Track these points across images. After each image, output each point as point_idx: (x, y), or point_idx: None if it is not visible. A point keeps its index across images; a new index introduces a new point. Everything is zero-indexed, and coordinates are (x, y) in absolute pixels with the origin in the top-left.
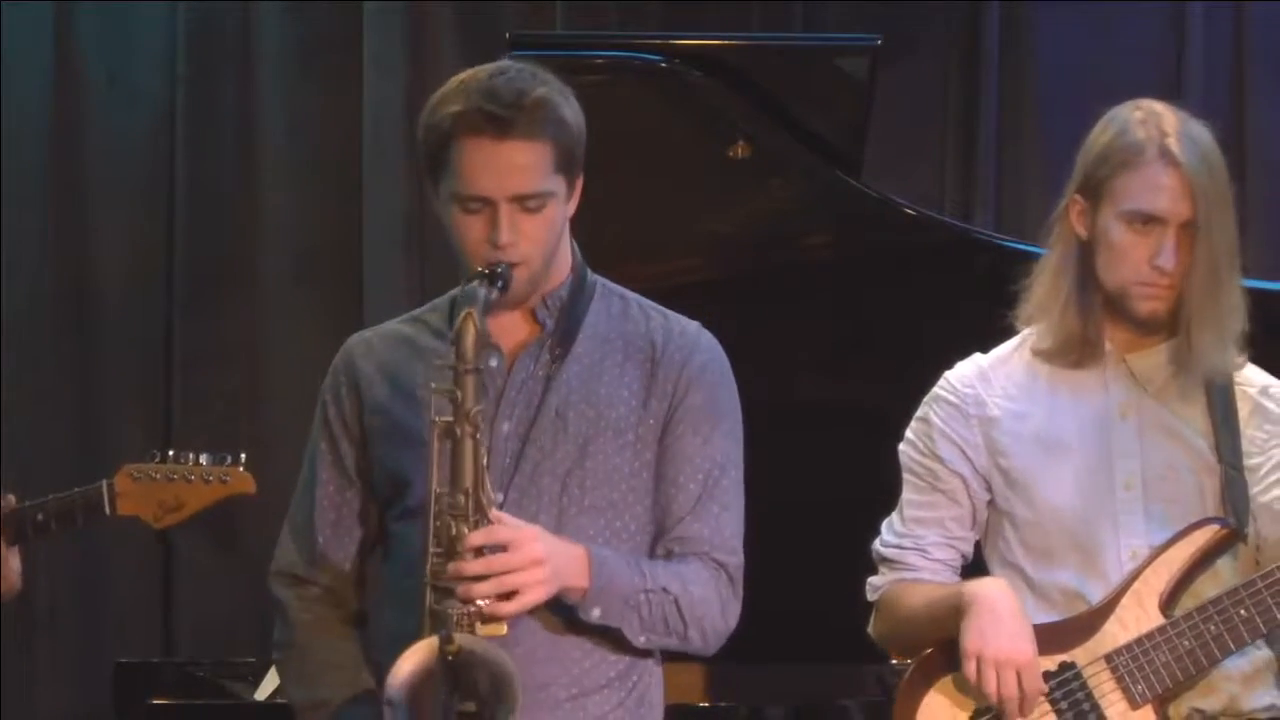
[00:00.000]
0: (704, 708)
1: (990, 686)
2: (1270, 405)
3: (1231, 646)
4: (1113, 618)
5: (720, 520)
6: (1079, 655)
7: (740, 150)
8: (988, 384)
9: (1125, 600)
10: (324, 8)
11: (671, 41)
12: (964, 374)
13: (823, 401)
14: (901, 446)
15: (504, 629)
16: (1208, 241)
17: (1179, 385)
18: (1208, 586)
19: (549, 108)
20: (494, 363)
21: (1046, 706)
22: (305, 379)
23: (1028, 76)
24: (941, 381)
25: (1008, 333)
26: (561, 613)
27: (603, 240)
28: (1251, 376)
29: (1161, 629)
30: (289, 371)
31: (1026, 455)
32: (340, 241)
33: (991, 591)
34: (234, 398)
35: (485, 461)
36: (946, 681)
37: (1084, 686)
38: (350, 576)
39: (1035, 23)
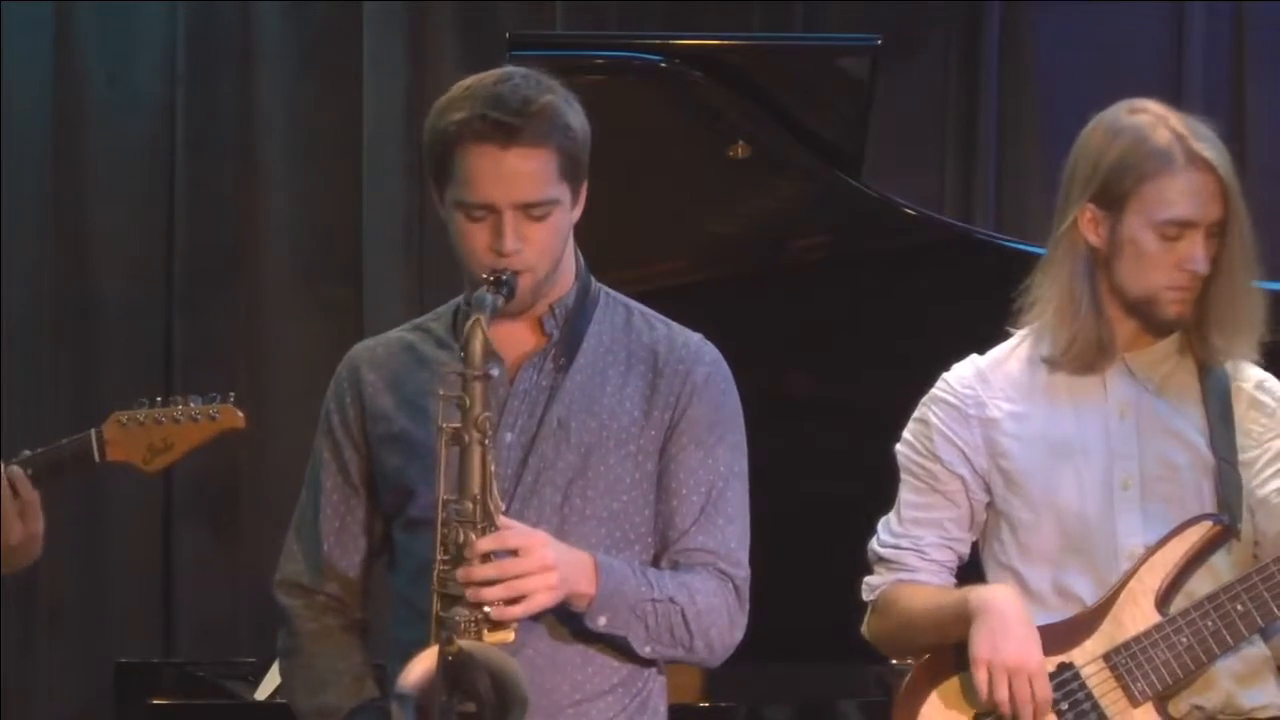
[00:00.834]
0: (704, 708)
1: (1002, 694)
2: (1266, 399)
3: (1229, 641)
4: (1109, 617)
5: (725, 533)
6: (1077, 655)
7: (740, 150)
8: (987, 385)
9: (1121, 599)
10: (324, 8)
11: (671, 41)
12: (963, 375)
13: (822, 401)
14: (899, 447)
15: (511, 636)
16: (1235, 238)
17: (1177, 382)
18: (1204, 583)
19: (555, 115)
20: (495, 372)
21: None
22: (305, 379)
23: (1028, 76)
24: (940, 383)
25: (1008, 333)
26: (566, 620)
27: (602, 240)
28: (1247, 371)
29: (1159, 626)
30: (289, 371)
31: (1027, 457)
32: (340, 241)
33: (1000, 598)
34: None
35: (493, 468)
36: (948, 685)
37: (1083, 686)
38: (355, 585)
39: (1035, 23)
